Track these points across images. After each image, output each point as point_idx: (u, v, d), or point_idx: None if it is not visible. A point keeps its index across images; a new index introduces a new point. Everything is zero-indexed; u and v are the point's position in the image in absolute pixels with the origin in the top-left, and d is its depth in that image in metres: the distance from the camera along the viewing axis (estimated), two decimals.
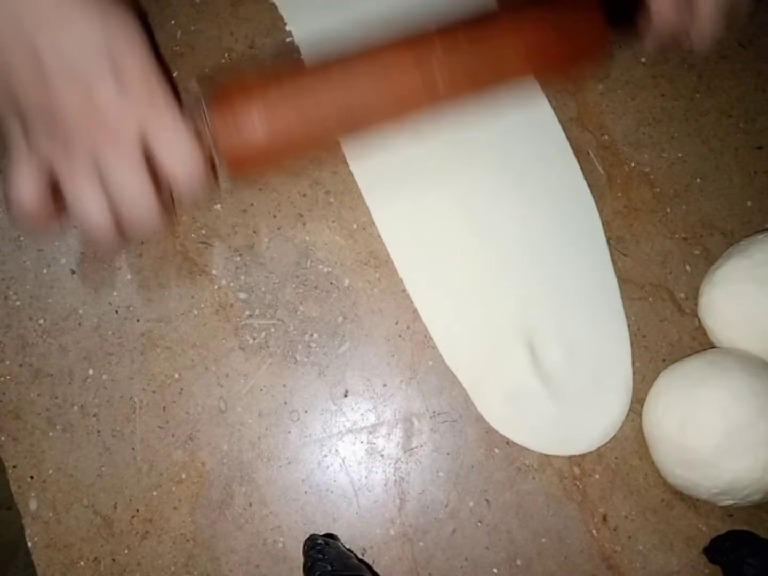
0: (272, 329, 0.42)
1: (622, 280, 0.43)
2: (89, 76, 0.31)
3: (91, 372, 0.41)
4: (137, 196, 0.33)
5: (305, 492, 0.40)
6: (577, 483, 0.40)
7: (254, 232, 0.43)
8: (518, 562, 0.40)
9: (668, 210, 0.44)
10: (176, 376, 0.41)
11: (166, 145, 0.33)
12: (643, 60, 0.46)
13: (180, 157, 0.33)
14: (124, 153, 0.32)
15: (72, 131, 0.32)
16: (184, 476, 0.40)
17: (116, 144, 0.32)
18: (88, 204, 0.32)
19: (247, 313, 0.42)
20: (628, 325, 0.42)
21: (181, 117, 0.33)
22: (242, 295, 0.42)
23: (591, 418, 0.41)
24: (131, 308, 0.42)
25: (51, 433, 0.41)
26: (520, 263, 0.42)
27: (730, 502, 0.38)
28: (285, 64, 0.41)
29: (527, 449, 0.41)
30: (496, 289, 0.42)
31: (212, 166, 0.36)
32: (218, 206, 0.43)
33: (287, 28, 0.46)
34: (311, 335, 0.42)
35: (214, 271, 0.42)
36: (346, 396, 0.41)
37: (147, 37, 0.33)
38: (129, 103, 0.32)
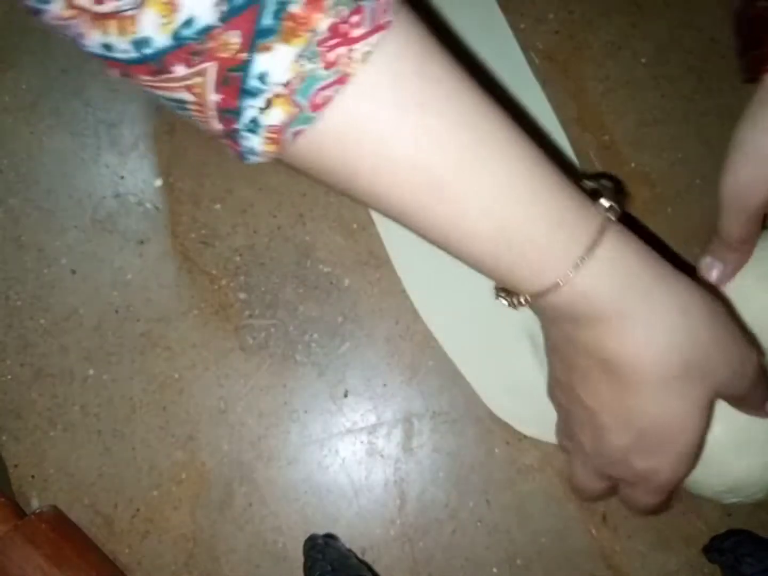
0: (272, 329, 0.42)
1: None
2: None
3: (91, 372, 0.41)
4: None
5: (305, 492, 0.40)
6: None
7: (254, 232, 0.43)
8: (518, 562, 0.40)
9: (669, 210, 0.44)
10: (176, 376, 0.41)
11: None
12: (643, 60, 0.46)
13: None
14: None
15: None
16: (184, 476, 0.40)
17: None
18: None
19: (247, 313, 0.42)
20: None
21: None
22: (242, 295, 0.42)
23: None
24: (131, 308, 0.42)
25: (52, 433, 0.41)
26: None
27: (735, 500, 0.38)
28: None
29: (527, 449, 0.41)
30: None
31: None
32: (218, 206, 0.43)
33: None
34: (311, 335, 0.42)
35: (214, 271, 0.42)
36: (346, 396, 0.41)
37: None
38: None
